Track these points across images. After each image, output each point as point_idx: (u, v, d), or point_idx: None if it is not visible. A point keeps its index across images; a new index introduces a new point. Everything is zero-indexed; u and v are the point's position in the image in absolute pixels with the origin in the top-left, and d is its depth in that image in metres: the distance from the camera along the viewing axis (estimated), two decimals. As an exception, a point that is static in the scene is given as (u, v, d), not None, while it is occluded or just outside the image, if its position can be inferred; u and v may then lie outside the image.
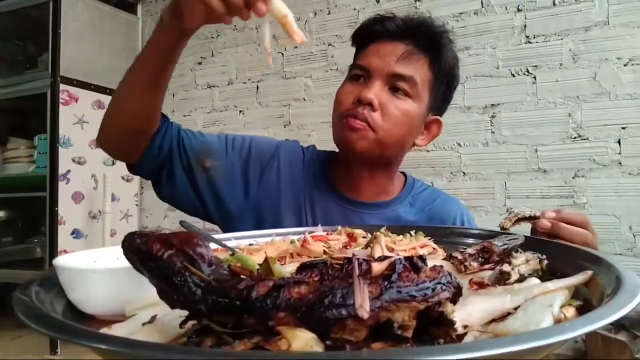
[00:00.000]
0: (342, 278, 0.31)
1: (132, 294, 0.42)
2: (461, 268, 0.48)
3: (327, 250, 0.60)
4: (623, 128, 1.92)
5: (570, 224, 0.65)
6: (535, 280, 0.44)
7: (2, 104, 2.81)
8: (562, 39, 2.03)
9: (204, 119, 2.87)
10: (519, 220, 0.70)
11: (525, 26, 2.10)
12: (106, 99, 2.74)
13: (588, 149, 1.97)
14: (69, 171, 2.57)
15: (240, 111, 2.78)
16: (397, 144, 0.91)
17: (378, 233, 0.62)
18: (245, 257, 0.47)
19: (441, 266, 0.33)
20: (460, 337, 0.33)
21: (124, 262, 0.36)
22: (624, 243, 1.90)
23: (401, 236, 0.66)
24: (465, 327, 0.34)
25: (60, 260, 0.46)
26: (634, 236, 1.89)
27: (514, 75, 2.11)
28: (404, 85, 0.88)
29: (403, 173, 1.07)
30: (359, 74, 0.92)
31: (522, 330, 0.33)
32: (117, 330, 0.38)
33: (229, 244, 0.64)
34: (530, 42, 2.09)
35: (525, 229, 0.68)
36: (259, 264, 0.40)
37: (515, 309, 0.37)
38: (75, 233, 2.61)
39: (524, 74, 2.09)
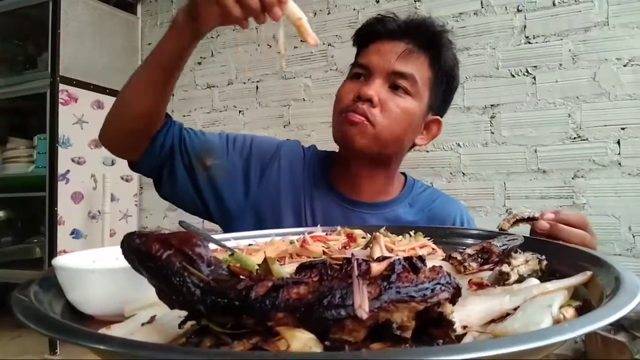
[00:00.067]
0: (341, 278, 0.31)
1: (131, 294, 0.42)
2: (460, 268, 0.48)
3: (326, 250, 0.60)
4: (622, 129, 1.92)
5: (569, 225, 0.65)
6: (534, 281, 0.44)
7: (2, 104, 2.81)
8: (561, 39, 2.03)
9: (204, 119, 2.87)
10: (518, 221, 0.70)
11: (525, 26, 2.10)
12: (106, 99, 2.75)
13: (587, 149, 1.97)
14: (68, 171, 2.57)
15: (239, 111, 2.78)
16: (396, 141, 0.91)
17: (377, 233, 0.62)
18: (244, 258, 0.47)
19: (440, 267, 0.33)
20: (460, 338, 0.33)
21: (123, 263, 0.36)
22: (624, 243, 1.90)
23: (400, 236, 0.66)
24: (464, 327, 0.34)
25: (59, 261, 0.46)
26: (634, 237, 1.89)
27: (513, 76, 2.11)
28: (404, 83, 0.89)
29: (403, 174, 1.07)
30: (359, 73, 0.92)
31: (522, 331, 0.33)
32: (116, 330, 0.38)
33: (229, 244, 0.64)
34: (530, 43, 2.09)
35: (524, 230, 0.68)
36: (258, 264, 0.40)
37: (515, 309, 0.37)
38: (75, 233, 2.61)
39: (524, 74, 2.10)
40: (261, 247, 0.63)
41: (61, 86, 2.52)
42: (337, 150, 1.01)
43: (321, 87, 2.54)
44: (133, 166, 0.94)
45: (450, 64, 0.93)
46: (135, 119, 0.85)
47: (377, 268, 0.31)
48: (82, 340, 0.28)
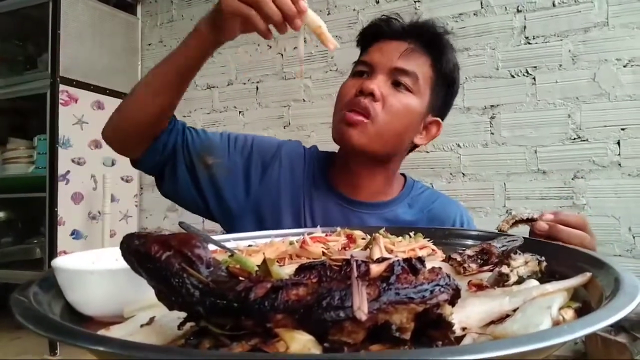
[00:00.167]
0: (341, 280, 0.31)
1: (130, 295, 0.42)
2: (460, 270, 0.48)
3: (326, 251, 0.60)
4: (622, 129, 1.92)
5: (568, 226, 0.65)
6: (534, 282, 0.44)
7: (2, 104, 2.80)
8: (561, 40, 2.03)
9: (204, 120, 2.87)
10: (517, 222, 0.70)
11: (524, 27, 2.10)
12: (106, 100, 2.75)
13: (587, 150, 1.97)
14: (68, 172, 2.57)
15: (240, 112, 2.78)
16: (395, 138, 0.91)
17: (377, 234, 0.62)
18: (244, 259, 0.47)
19: (440, 268, 0.33)
20: (459, 339, 0.33)
21: (123, 264, 0.36)
22: (624, 244, 1.90)
23: (400, 237, 0.66)
24: (463, 329, 0.34)
25: (58, 262, 0.46)
26: (634, 237, 1.89)
27: (513, 76, 2.11)
28: (406, 80, 0.89)
29: (403, 175, 1.07)
30: (362, 70, 0.93)
31: (521, 333, 0.33)
32: (115, 331, 0.38)
33: (228, 245, 0.64)
34: (529, 43, 2.09)
35: (523, 231, 0.68)
36: (258, 266, 0.40)
37: (514, 310, 0.37)
38: (75, 234, 2.61)
39: (524, 74, 2.10)
40: (261, 248, 0.63)
41: (61, 87, 2.53)
42: (337, 151, 1.01)
43: (321, 88, 2.54)
44: (135, 164, 0.95)
45: (451, 67, 0.95)
46: (145, 118, 0.86)
47: (376, 269, 0.31)
48: (81, 341, 0.28)
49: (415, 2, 2.32)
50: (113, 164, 2.77)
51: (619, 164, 1.92)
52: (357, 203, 0.97)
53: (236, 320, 0.29)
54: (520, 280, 0.45)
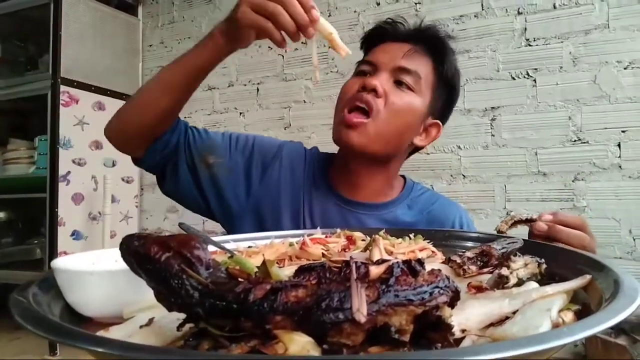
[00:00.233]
0: (340, 281, 0.31)
1: (130, 296, 0.42)
2: (460, 272, 0.48)
3: (325, 253, 0.60)
4: (623, 131, 1.92)
5: (568, 227, 0.65)
6: (533, 284, 0.44)
7: (3, 105, 2.81)
8: (562, 42, 2.03)
9: (205, 121, 2.87)
10: (516, 223, 0.70)
11: (525, 29, 2.10)
12: (107, 101, 2.75)
13: (588, 152, 1.97)
14: (69, 172, 2.57)
15: (240, 113, 2.78)
16: (395, 137, 0.91)
17: (377, 236, 0.62)
18: (243, 260, 0.47)
19: (439, 270, 0.33)
20: (458, 342, 0.33)
21: (122, 265, 0.36)
22: (624, 247, 1.90)
23: (400, 239, 0.66)
24: (463, 331, 0.34)
25: (58, 262, 0.46)
26: (634, 240, 1.89)
27: (514, 78, 2.11)
28: (408, 79, 0.90)
29: (403, 176, 1.07)
30: (365, 70, 0.94)
31: (521, 335, 0.32)
32: (114, 332, 0.38)
33: (228, 246, 0.64)
34: (530, 45, 2.09)
35: (523, 232, 0.68)
36: (257, 267, 0.40)
37: (514, 313, 0.37)
38: (75, 234, 2.61)
39: (524, 76, 2.10)
40: (260, 250, 0.63)
41: (62, 87, 2.53)
42: (337, 152, 1.01)
43: (322, 89, 2.54)
44: (137, 162, 0.95)
45: (452, 71, 0.96)
46: (151, 118, 0.87)
47: (375, 271, 0.31)
48: (81, 342, 0.28)
49: (416, 4, 2.32)
50: (114, 165, 2.77)
51: (620, 166, 1.92)
52: (356, 204, 0.97)
53: (235, 321, 0.29)
54: (520, 283, 0.45)
